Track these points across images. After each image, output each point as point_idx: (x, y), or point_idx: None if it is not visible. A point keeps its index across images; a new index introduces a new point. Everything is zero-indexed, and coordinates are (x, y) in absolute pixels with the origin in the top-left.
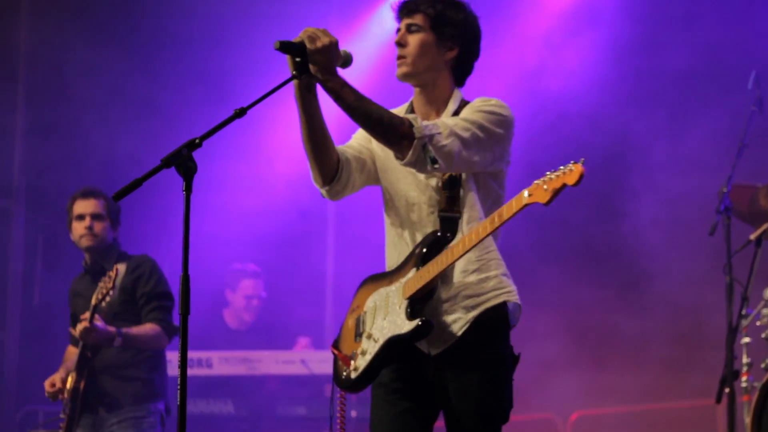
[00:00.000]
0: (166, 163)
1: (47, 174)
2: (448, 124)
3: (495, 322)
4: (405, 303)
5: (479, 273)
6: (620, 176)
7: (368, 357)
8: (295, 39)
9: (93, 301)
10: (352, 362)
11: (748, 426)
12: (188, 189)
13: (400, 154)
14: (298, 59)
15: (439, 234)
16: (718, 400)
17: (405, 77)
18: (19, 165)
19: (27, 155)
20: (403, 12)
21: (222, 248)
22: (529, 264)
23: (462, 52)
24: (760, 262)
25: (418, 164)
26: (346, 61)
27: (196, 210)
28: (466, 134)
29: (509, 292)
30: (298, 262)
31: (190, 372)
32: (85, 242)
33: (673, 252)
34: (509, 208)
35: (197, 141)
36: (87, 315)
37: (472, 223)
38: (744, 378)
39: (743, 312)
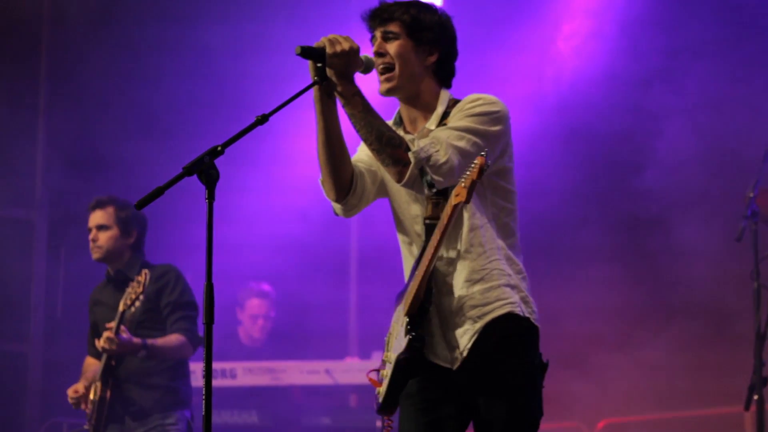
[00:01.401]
0: (188, 171)
1: (70, 185)
2: (441, 138)
3: (510, 332)
4: (405, 320)
5: (483, 283)
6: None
7: (386, 381)
8: (317, 44)
9: (121, 307)
10: (380, 387)
11: None
12: (211, 197)
13: (395, 176)
14: (319, 64)
15: (425, 245)
16: (747, 407)
17: (389, 92)
18: (42, 176)
19: (49, 166)
20: (376, 21)
21: (244, 256)
22: (548, 271)
23: (442, 56)
24: None
25: (416, 187)
26: (368, 66)
27: (219, 217)
28: (461, 143)
29: (512, 303)
30: (322, 270)
31: (214, 383)
32: (93, 255)
33: (701, 256)
34: (445, 213)
35: (219, 148)
36: (113, 324)
37: (475, 231)
38: None
39: None
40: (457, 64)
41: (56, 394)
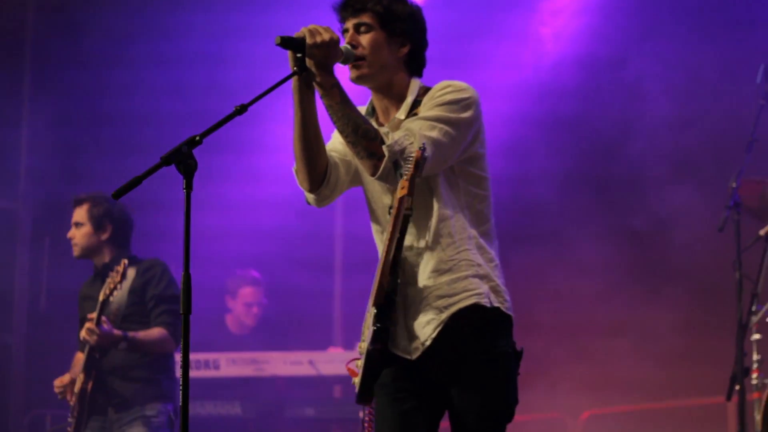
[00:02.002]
0: (166, 160)
1: (54, 175)
2: (414, 130)
3: (477, 323)
4: (374, 311)
5: (451, 273)
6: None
7: (360, 372)
8: (296, 34)
9: (101, 297)
10: (356, 377)
11: (758, 423)
12: (188, 187)
13: (369, 170)
14: (299, 55)
15: None
16: (729, 398)
17: (359, 80)
18: (26, 168)
19: (33, 158)
20: (348, 11)
21: (227, 246)
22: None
23: (414, 47)
24: None
25: (389, 180)
26: (348, 57)
27: (202, 207)
28: (433, 133)
29: (479, 294)
30: (305, 259)
31: (197, 374)
32: (73, 253)
33: (683, 246)
34: (393, 206)
35: (197, 138)
36: (94, 315)
37: (445, 221)
38: (754, 375)
39: (753, 308)
40: (443, 50)
41: (40, 386)
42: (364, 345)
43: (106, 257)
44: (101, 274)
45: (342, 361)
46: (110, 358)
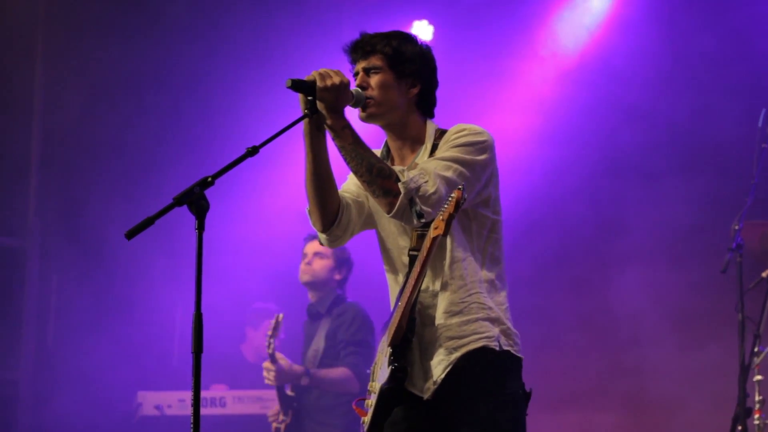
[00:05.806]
0: (178, 201)
1: (62, 214)
2: (429, 169)
3: (486, 365)
4: (389, 351)
5: (462, 315)
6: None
7: (370, 412)
8: (307, 77)
9: (268, 349)
10: (365, 417)
11: None
12: (200, 227)
13: (385, 208)
14: (309, 98)
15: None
16: None
17: (370, 118)
18: (34, 205)
19: (42, 195)
20: (358, 54)
21: (240, 282)
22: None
23: (424, 87)
24: None
25: (405, 218)
26: (358, 100)
27: (216, 244)
28: (448, 173)
29: (489, 338)
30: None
31: (204, 411)
32: (302, 278)
33: (683, 287)
34: (424, 246)
35: (209, 179)
36: (269, 364)
37: (456, 264)
38: (757, 416)
39: (755, 349)
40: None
41: (45, 423)
42: (376, 385)
43: (321, 293)
44: (309, 312)
45: None
46: (305, 400)
